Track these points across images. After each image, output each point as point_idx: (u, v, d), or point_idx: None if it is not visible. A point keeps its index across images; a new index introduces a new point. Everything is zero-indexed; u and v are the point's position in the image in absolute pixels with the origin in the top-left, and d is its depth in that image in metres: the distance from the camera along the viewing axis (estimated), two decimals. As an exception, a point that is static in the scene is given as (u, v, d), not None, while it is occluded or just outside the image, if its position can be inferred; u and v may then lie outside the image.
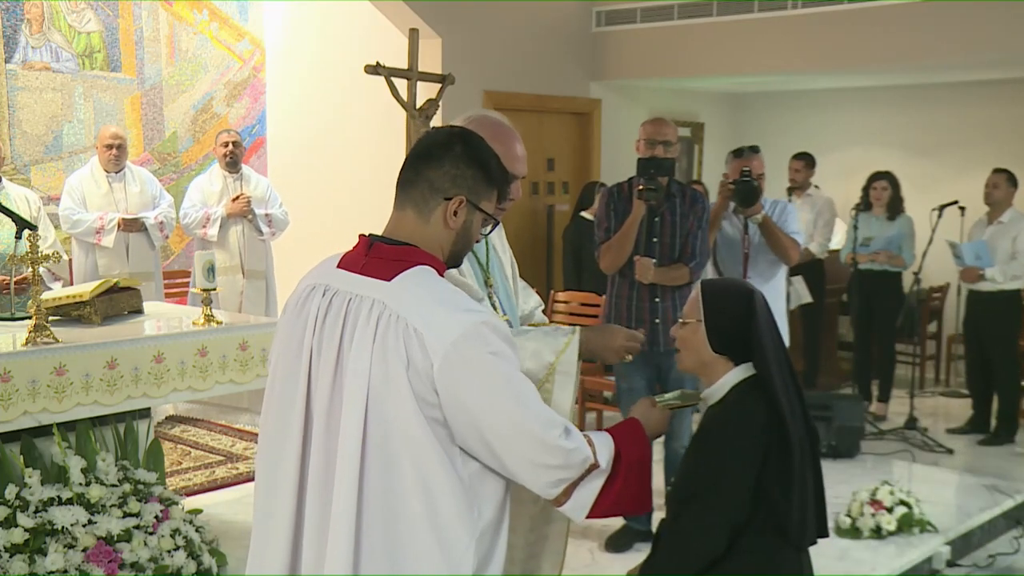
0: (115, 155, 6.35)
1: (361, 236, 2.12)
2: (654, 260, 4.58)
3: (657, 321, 4.63)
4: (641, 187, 4.50)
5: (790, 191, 7.65)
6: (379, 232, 2.14)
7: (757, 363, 2.50)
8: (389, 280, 2.00)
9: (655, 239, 4.61)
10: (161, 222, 6.52)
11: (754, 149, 5.28)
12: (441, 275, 2.06)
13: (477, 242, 2.19)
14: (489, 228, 2.17)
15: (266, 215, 6.85)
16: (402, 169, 2.10)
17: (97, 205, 6.35)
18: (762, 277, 5.17)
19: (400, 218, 2.09)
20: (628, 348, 2.57)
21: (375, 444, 1.94)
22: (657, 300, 4.63)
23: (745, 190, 5.04)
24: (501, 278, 2.74)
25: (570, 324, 7.16)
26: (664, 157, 4.59)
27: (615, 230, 4.65)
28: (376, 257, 2.05)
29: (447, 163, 2.06)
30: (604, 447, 2.09)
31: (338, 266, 2.10)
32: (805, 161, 7.57)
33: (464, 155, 2.07)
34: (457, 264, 2.18)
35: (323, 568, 1.98)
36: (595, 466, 2.06)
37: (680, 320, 2.58)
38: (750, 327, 2.49)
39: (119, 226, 6.31)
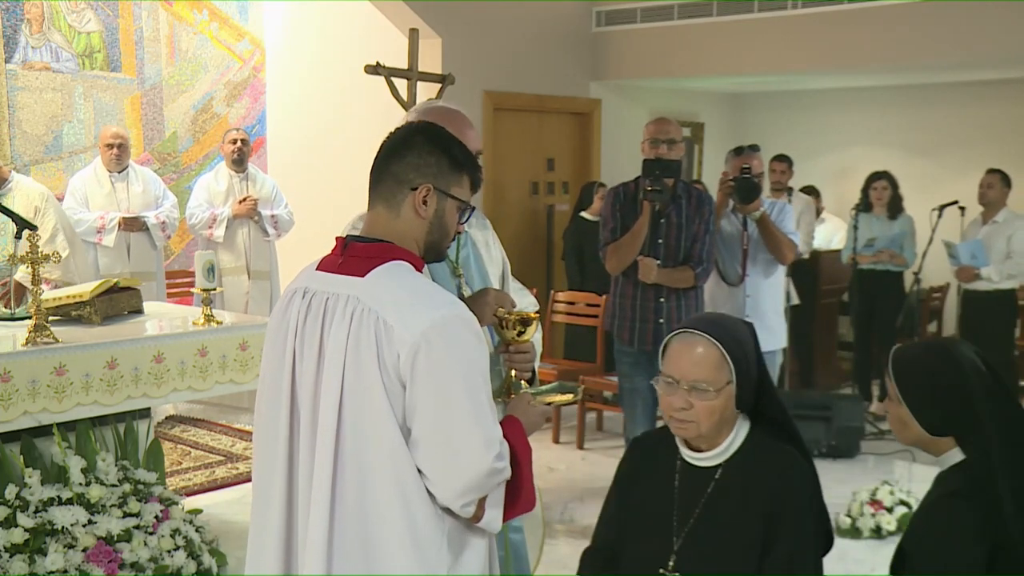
0: (116, 155, 6.36)
1: (338, 238, 2.15)
2: (658, 261, 4.57)
3: (661, 321, 4.62)
4: (648, 188, 4.50)
5: (789, 192, 7.64)
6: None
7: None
8: (363, 276, 2.01)
9: (660, 240, 4.60)
10: (163, 222, 6.52)
11: (754, 148, 5.29)
12: (419, 270, 2.07)
13: (459, 232, 2.19)
14: (467, 215, 2.16)
15: (272, 216, 6.86)
16: (370, 171, 2.12)
17: (99, 205, 6.36)
18: (762, 274, 5.18)
19: (373, 217, 2.11)
20: (498, 301, 2.52)
21: (349, 439, 1.96)
22: (662, 300, 4.62)
23: (746, 186, 5.05)
24: (478, 272, 2.72)
25: (569, 324, 7.09)
26: (670, 158, 4.59)
27: (620, 231, 4.64)
28: (351, 256, 2.06)
29: (409, 154, 2.07)
30: (508, 454, 2.06)
31: (317, 269, 2.13)
32: (787, 163, 7.55)
33: (425, 144, 2.08)
34: (438, 258, 2.18)
35: (305, 567, 2.00)
36: (506, 479, 2.06)
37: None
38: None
39: (120, 225, 6.32)
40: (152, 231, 6.47)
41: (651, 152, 4.62)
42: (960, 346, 2.25)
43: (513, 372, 2.55)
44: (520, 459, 2.09)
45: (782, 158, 7.54)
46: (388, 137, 2.15)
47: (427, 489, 1.97)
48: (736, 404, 2.24)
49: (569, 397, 2.52)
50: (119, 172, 6.43)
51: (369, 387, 1.94)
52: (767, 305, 5.19)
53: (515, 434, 2.12)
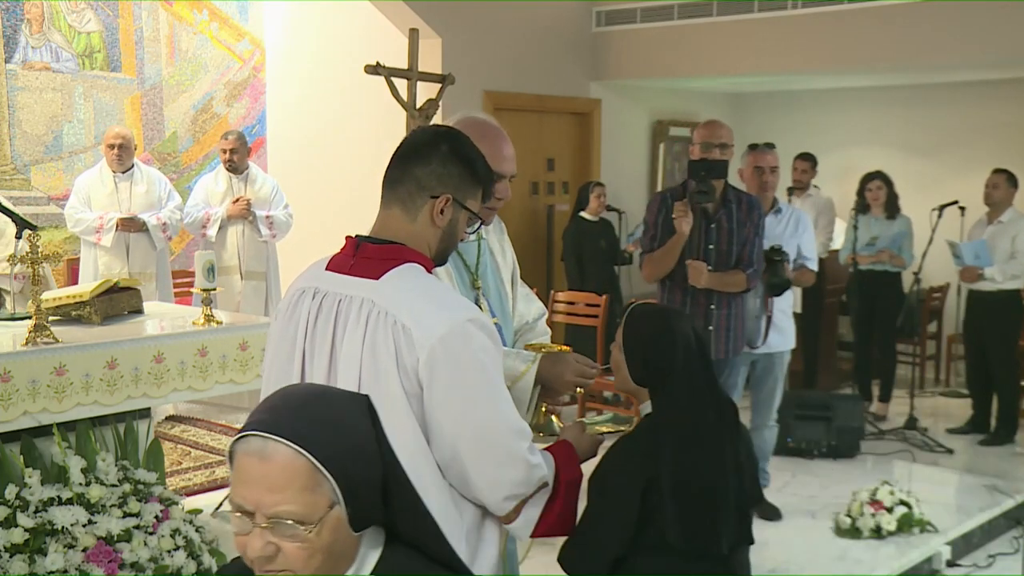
0: (117, 155, 6.34)
1: (348, 238, 2.13)
2: (709, 267, 4.45)
3: (711, 328, 4.51)
4: (695, 190, 4.37)
5: (791, 191, 7.66)
6: (366, 233, 2.14)
7: None
8: (378, 279, 2.00)
9: (711, 246, 4.48)
10: (164, 223, 6.48)
11: (769, 145, 5.24)
12: (429, 272, 2.07)
13: (462, 240, 2.19)
14: (475, 226, 2.16)
15: (267, 217, 6.84)
16: (388, 167, 2.10)
17: (102, 204, 6.36)
18: None
19: (387, 217, 2.09)
20: (577, 382, 2.47)
21: None
22: (712, 307, 4.49)
23: (778, 284, 4.91)
24: (495, 282, 2.71)
25: (569, 324, 7.05)
26: (716, 160, 4.45)
27: (661, 238, 4.52)
28: (364, 257, 2.05)
29: (434, 161, 2.06)
30: (549, 466, 2.09)
31: (327, 268, 2.11)
32: (811, 162, 7.56)
33: (451, 153, 2.07)
34: (442, 262, 2.18)
35: None
36: (546, 485, 2.07)
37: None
38: None
39: (118, 226, 6.31)
40: (152, 232, 6.44)
41: (701, 157, 4.49)
42: (682, 319, 2.58)
43: (544, 407, 2.56)
44: (563, 476, 2.11)
45: (805, 156, 7.56)
46: (411, 137, 2.13)
47: (451, 486, 1.98)
48: (353, 525, 1.43)
49: (624, 428, 2.58)
50: (123, 172, 6.41)
51: (388, 389, 1.93)
52: (775, 306, 5.13)
53: (566, 453, 2.15)
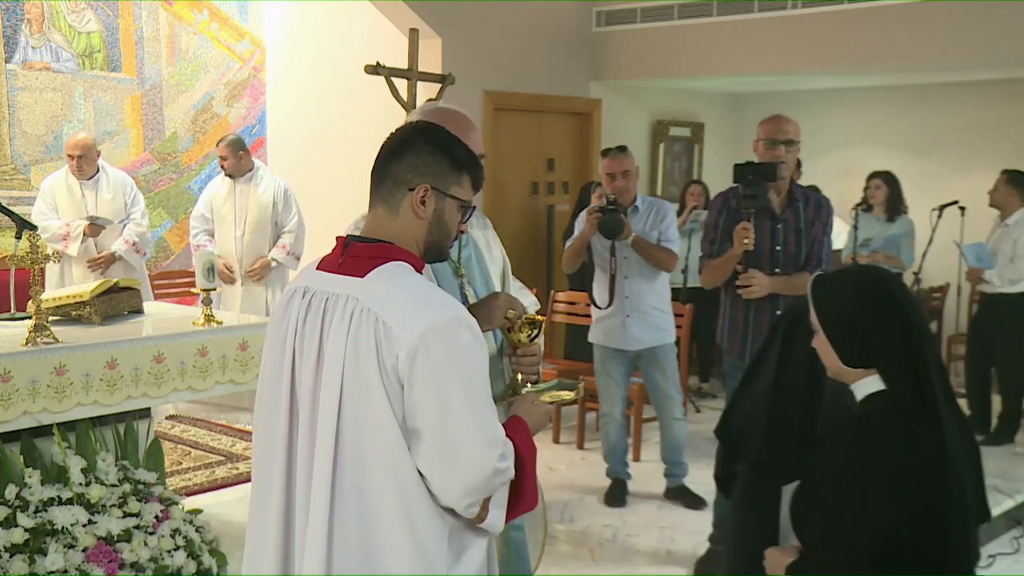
0: (77, 165, 6.20)
1: (338, 238, 2.15)
2: (777, 269, 4.31)
3: None
4: (743, 194, 4.24)
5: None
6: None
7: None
8: (363, 276, 2.01)
9: (778, 247, 4.32)
10: (133, 243, 6.32)
11: (622, 149, 5.24)
12: (419, 271, 2.07)
13: (462, 232, 2.19)
14: (467, 215, 2.16)
15: (286, 250, 6.67)
16: (371, 172, 2.13)
17: (67, 212, 6.23)
18: (643, 278, 5.23)
19: (373, 217, 2.12)
20: (509, 304, 2.52)
21: (349, 439, 1.96)
22: (778, 312, 4.31)
23: (610, 223, 4.94)
24: (480, 272, 2.72)
25: (569, 324, 7.05)
26: (765, 161, 4.31)
27: (720, 242, 4.41)
28: (351, 256, 2.07)
29: (408, 155, 2.08)
30: (510, 453, 2.05)
31: (317, 268, 2.13)
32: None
33: (425, 144, 2.09)
34: (440, 258, 2.18)
35: (304, 567, 2.00)
36: (509, 479, 2.06)
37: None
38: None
39: (85, 232, 6.16)
40: (127, 257, 6.30)
41: (767, 154, 4.34)
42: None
43: (519, 376, 2.56)
44: (524, 459, 2.09)
45: None
46: (389, 138, 2.15)
47: (430, 489, 1.97)
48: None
49: (571, 395, 2.50)
50: (87, 180, 6.27)
51: (368, 387, 1.94)
52: (649, 304, 5.25)
53: (520, 434, 2.12)
